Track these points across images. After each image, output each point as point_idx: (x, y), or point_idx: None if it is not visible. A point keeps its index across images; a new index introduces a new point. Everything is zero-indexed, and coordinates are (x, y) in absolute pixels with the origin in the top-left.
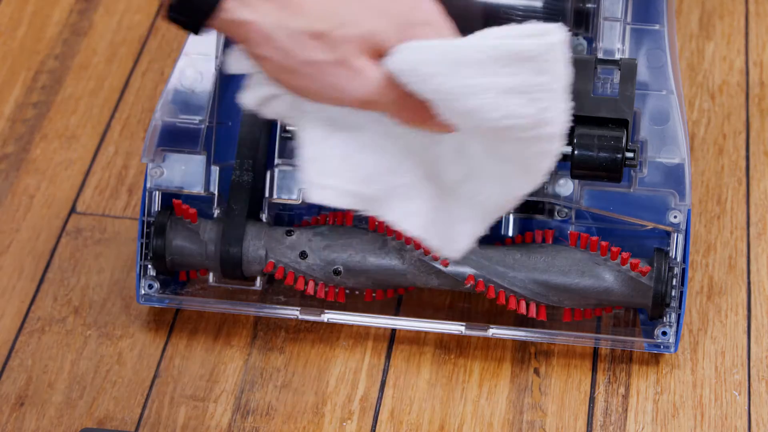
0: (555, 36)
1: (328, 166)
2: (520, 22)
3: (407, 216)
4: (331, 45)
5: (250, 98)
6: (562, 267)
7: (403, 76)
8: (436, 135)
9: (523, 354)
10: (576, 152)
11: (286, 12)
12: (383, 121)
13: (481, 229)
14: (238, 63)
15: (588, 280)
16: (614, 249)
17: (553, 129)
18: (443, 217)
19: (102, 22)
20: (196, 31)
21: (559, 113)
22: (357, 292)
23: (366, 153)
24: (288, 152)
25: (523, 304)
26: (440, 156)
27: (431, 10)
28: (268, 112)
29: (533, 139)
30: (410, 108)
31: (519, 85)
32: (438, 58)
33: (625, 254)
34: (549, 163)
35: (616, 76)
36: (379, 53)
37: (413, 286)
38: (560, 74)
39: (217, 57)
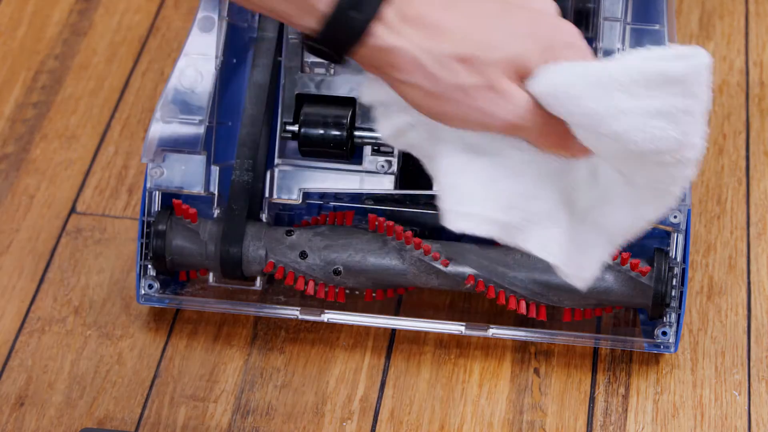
0: (701, 58)
1: (468, 194)
2: None
3: (545, 244)
4: (479, 69)
5: (386, 130)
6: None
7: (548, 98)
8: (571, 161)
9: (523, 354)
10: None
11: (433, 37)
12: (521, 147)
13: (606, 255)
14: (374, 92)
15: None
16: None
17: (692, 153)
18: (575, 244)
19: (102, 22)
20: (340, 60)
21: (699, 137)
22: (357, 292)
23: (505, 180)
24: (288, 152)
25: (523, 304)
26: (574, 182)
27: (573, 32)
28: (402, 143)
29: (671, 164)
30: (553, 132)
31: (664, 108)
32: (584, 80)
33: (625, 254)
34: (682, 187)
35: None
36: (523, 76)
37: (413, 286)
38: (704, 98)
39: (217, 57)
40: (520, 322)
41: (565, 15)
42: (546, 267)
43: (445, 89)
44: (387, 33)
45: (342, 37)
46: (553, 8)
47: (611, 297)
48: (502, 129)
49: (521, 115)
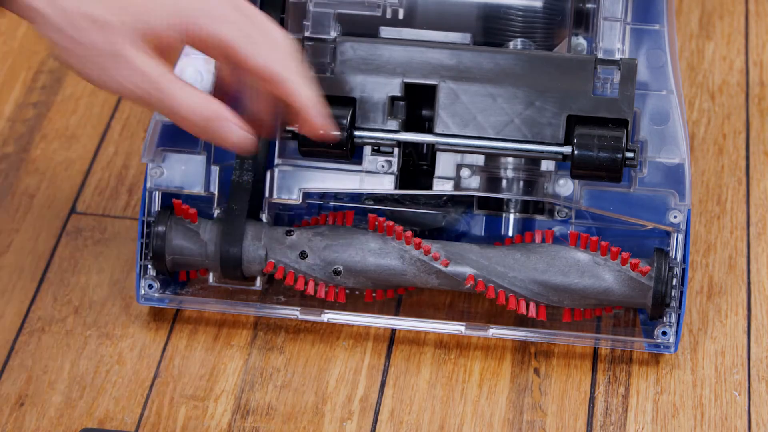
0: None
1: None
2: (520, 22)
3: None
4: (108, 31)
5: None
6: (562, 267)
7: None
8: None
9: (523, 354)
10: (576, 152)
11: None
12: None
13: None
14: None
15: (588, 280)
16: (614, 249)
17: None
18: None
19: None
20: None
21: None
22: (357, 292)
23: None
24: (288, 152)
25: (523, 304)
26: None
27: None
28: None
29: None
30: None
31: None
32: None
33: (625, 254)
34: None
35: (616, 76)
36: (158, 47)
37: (413, 286)
38: None
39: None
40: (520, 322)
41: (564, 15)
42: (546, 267)
43: (76, 47)
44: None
45: None
46: None
47: (611, 297)
48: (126, 96)
49: (142, 87)
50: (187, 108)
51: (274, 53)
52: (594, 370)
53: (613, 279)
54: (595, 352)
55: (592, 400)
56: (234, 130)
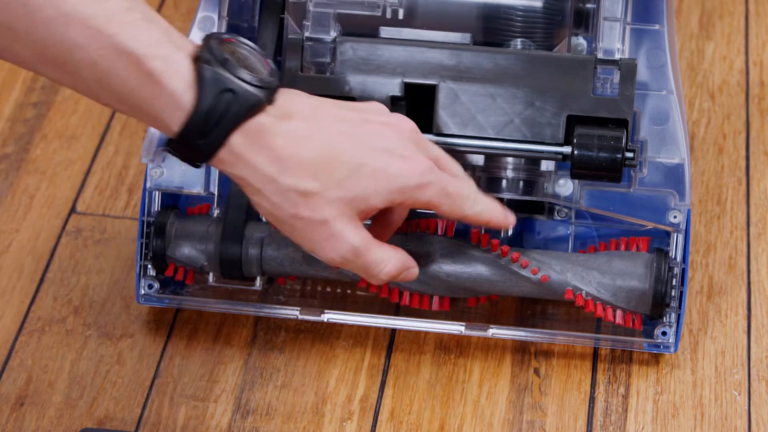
0: None
1: None
2: (519, 22)
3: None
4: (318, 205)
5: None
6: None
7: None
8: None
9: (523, 354)
10: (576, 152)
11: (279, 167)
12: None
13: None
14: None
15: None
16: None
17: None
18: None
19: None
20: (197, 167)
21: None
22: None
23: None
24: None
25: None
26: None
27: (425, 172)
28: None
29: None
30: (371, 276)
31: None
32: None
33: None
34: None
35: (616, 76)
36: (368, 213)
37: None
38: None
39: None
40: (520, 322)
41: (564, 15)
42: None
43: (285, 216)
44: (233, 160)
45: (192, 156)
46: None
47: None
48: (329, 263)
49: (346, 257)
50: (387, 274)
51: (466, 202)
52: (594, 370)
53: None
54: (595, 352)
55: (592, 400)
56: (414, 273)
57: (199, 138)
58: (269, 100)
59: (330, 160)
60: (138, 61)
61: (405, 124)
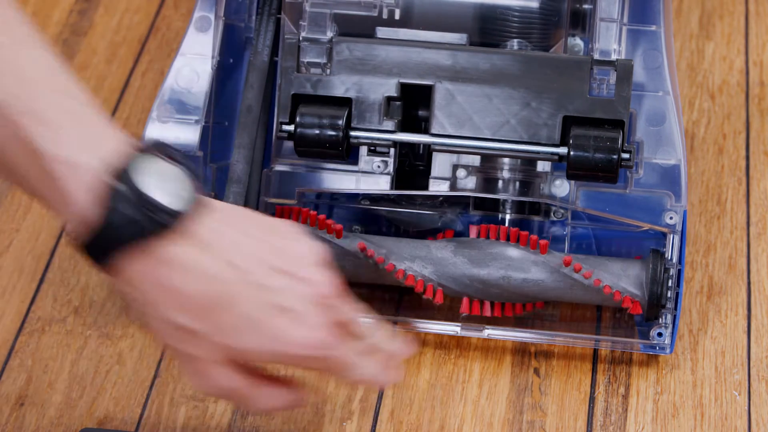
0: None
1: None
2: (516, 22)
3: None
4: (200, 344)
5: None
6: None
7: None
8: None
9: (522, 354)
10: (572, 153)
11: (164, 297)
12: None
13: None
14: None
15: None
16: None
17: None
18: None
19: (102, 22)
20: None
21: None
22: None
23: None
24: (284, 152)
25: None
26: None
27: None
28: None
29: None
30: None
31: None
32: None
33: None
34: None
35: (613, 77)
36: (245, 362)
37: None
38: None
39: (213, 57)
40: (517, 323)
41: (560, 15)
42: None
43: (165, 340)
44: (122, 279)
45: (85, 258)
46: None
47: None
48: (210, 395)
49: (219, 395)
50: (263, 410)
51: (350, 372)
52: (594, 371)
53: None
54: (595, 353)
55: (592, 400)
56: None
57: (90, 250)
58: (175, 226)
59: (220, 304)
60: (41, 159)
61: (322, 285)
